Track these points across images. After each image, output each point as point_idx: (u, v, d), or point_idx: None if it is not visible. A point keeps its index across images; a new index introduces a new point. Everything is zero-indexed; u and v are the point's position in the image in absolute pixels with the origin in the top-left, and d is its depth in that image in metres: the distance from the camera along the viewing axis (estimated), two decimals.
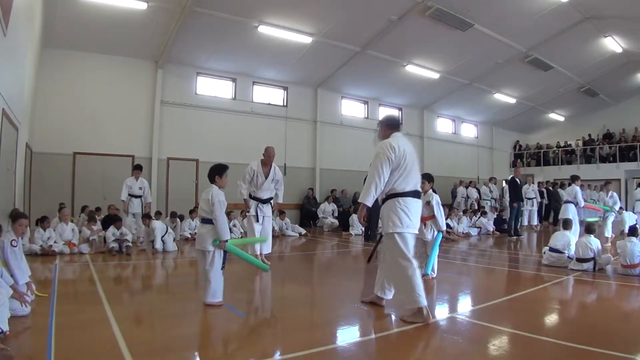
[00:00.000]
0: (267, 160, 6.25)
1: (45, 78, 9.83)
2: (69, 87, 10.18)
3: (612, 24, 11.50)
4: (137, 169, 8.60)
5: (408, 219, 3.47)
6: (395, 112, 16.48)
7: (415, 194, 3.57)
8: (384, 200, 3.63)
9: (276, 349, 2.95)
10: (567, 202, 8.83)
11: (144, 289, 5.15)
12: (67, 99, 10.14)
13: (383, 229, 3.64)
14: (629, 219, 9.85)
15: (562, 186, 14.65)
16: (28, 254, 5.87)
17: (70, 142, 10.17)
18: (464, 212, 11.95)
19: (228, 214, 10.22)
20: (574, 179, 9.03)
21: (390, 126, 3.80)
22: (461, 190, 15.30)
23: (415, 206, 3.55)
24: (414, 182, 3.59)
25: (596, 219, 9.98)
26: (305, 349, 2.78)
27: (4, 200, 6.33)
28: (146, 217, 7.87)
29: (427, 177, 5.34)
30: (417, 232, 3.61)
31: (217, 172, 4.20)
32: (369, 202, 3.49)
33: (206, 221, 3.97)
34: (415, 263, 3.46)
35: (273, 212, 6.67)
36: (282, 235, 10.64)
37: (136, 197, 8.38)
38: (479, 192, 15.18)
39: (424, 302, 3.35)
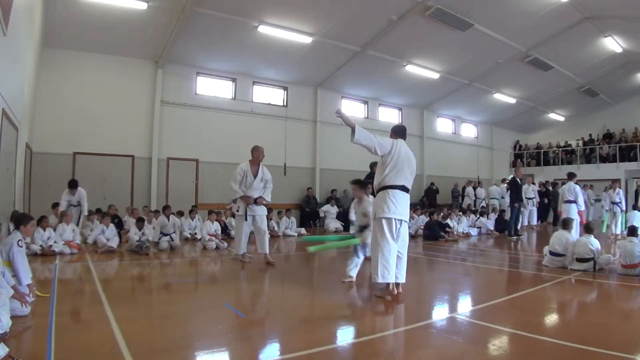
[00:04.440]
0: (255, 159, 6.36)
1: (45, 78, 9.84)
2: (69, 87, 10.18)
3: (612, 24, 11.50)
4: (72, 187, 8.19)
5: (394, 206, 4.13)
6: (395, 112, 16.52)
7: (403, 188, 4.23)
8: (377, 192, 4.28)
9: (276, 349, 2.95)
10: (569, 201, 8.76)
11: (145, 289, 5.14)
12: (67, 99, 10.14)
13: (375, 214, 4.25)
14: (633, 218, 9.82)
15: (555, 185, 14.70)
16: (28, 254, 5.87)
17: (70, 142, 10.17)
18: (464, 212, 11.95)
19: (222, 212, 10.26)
20: (570, 176, 8.98)
21: (396, 133, 4.54)
22: (469, 191, 15.29)
23: (402, 197, 4.21)
24: (404, 179, 4.24)
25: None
26: (305, 349, 2.77)
27: (3, 201, 6.33)
28: (166, 208, 8.13)
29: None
30: (403, 218, 4.19)
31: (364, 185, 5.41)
32: (357, 128, 3.99)
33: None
34: (393, 243, 4.10)
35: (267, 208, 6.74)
36: (282, 235, 10.63)
37: (75, 206, 8.23)
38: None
39: (391, 279, 4.06)
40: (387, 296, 4.07)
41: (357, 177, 5.91)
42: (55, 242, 6.98)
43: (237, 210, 6.33)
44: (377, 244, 4.14)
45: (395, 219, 4.11)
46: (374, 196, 4.78)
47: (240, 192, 6.21)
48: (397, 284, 4.18)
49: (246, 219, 6.24)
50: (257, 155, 6.36)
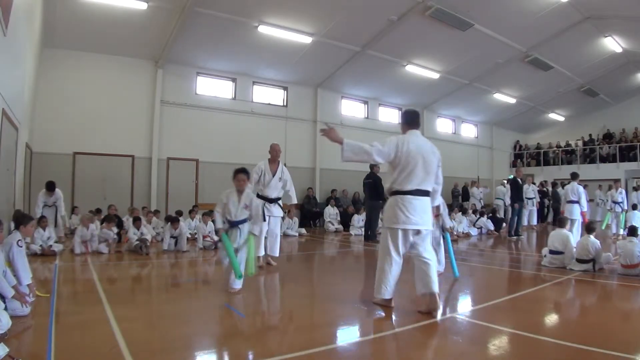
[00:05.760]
0: (273, 157, 6.21)
1: (45, 78, 9.84)
2: (69, 87, 10.18)
3: (612, 24, 11.49)
4: (49, 189, 8.06)
5: (404, 215, 3.62)
6: (395, 112, 16.51)
7: (417, 192, 3.66)
8: (388, 197, 3.82)
9: (276, 349, 2.94)
10: (572, 201, 8.73)
11: (144, 289, 5.15)
12: (67, 99, 10.14)
13: (383, 222, 3.89)
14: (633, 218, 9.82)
15: (555, 185, 14.69)
16: (28, 254, 5.87)
17: (70, 142, 10.18)
18: (464, 212, 11.93)
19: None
20: (574, 176, 8.99)
21: (406, 123, 3.92)
22: (474, 191, 15.30)
23: (415, 203, 3.64)
24: (417, 181, 3.66)
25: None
26: (305, 349, 2.78)
27: (4, 201, 6.33)
28: (174, 219, 7.78)
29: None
30: (419, 227, 3.66)
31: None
32: (345, 144, 3.82)
33: None
34: (397, 258, 3.69)
35: (288, 212, 6.52)
36: (283, 235, 10.61)
37: (50, 206, 8.12)
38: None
39: (387, 295, 3.73)
40: (379, 310, 3.73)
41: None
42: (55, 242, 6.99)
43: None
44: (380, 254, 3.82)
45: (406, 229, 3.64)
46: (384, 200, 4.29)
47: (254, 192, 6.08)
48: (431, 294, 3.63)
49: (264, 219, 5.88)
50: (272, 152, 6.22)
